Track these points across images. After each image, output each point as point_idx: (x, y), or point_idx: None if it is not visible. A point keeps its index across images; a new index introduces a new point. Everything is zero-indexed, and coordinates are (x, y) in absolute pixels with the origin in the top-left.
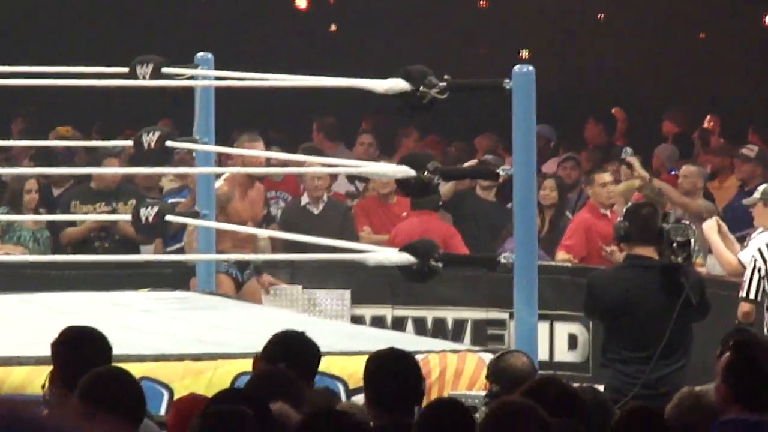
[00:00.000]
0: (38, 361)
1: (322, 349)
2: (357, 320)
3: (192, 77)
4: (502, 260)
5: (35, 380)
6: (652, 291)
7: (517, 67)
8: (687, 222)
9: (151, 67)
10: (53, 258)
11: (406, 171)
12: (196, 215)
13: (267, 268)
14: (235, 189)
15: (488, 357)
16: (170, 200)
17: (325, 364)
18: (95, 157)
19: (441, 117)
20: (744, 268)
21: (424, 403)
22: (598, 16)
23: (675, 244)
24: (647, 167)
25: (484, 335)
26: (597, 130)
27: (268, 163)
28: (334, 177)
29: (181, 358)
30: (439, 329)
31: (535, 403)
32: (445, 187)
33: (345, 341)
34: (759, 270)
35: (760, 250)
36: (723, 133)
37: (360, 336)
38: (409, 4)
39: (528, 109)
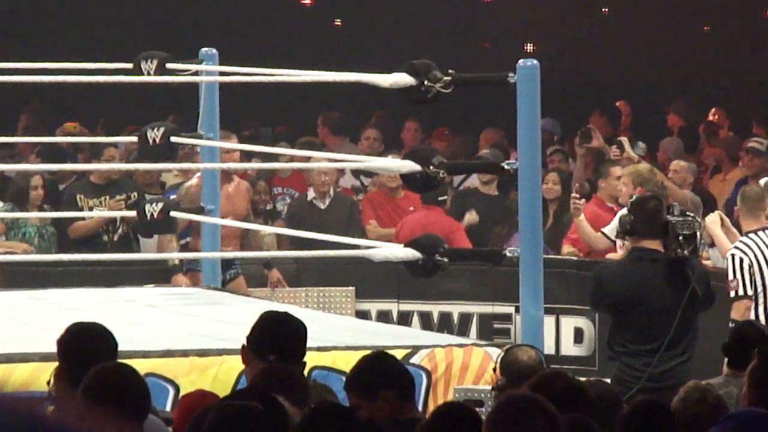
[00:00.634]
0: (43, 357)
1: (327, 345)
2: (362, 315)
3: (196, 73)
4: (508, 254)
5: (40, 377)
6: (659, 284)
7: (521, 61)
8: (692, 215)
9: (155, 62)
10: (58, 257)
11: (411, 166)
12: (201, 211)
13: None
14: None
15: (494, 351)
16: (171, 196)
17: (331, 359)
18: (95, 152)
19: (446, 111)
20: None
21: (430, 398)
22: (603, 9)
23: (681, 237)
24: (653, 161)
25: (489, 329)
26: (601, 123)
27: (276, 159)
28: (341, 172)
29: (186, 353)
30: (444, 323)
31: (543, 397)
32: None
33: (350, 336)
34: (742, 262)
35: (737, 246)
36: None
37: (365, 331)
38: None
39: (532, 103)
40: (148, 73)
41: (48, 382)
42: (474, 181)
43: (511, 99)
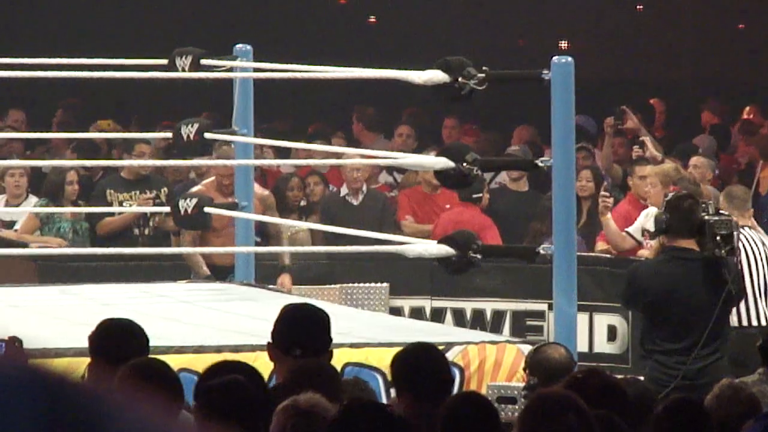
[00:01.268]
0: (77, 352)
1: (360, 341)
2: (395, 312)
3: (231, 69)
4: (541, 251)
5: (75, 372)
6: (694, 284)
7: (555, 58)
8: (727, 213)
9: (190, 59)
10: (92, 251)
11: (445, 162)
12: (234, 207)
13: (304, 259)
14: (210, 193)
15: (527, 348)
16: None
17: (364, 356)
18: (126, 147)
19: (479, 107)
20: None
21: None
22: (638, 6)
23: (719, 237)
24: (685, 159)
25: (523, 326)
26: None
27: (311, 155)
28: (377, 168)
29: (219, 349)
30: (478, 320)
31: (576, 395)
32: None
33: (383, 333)
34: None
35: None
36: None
37: (398, 327)
38: None
39: (567, 100)
40: (183, 70)
41: (82, 377)
42: (502, 178)
43: (544, 96)
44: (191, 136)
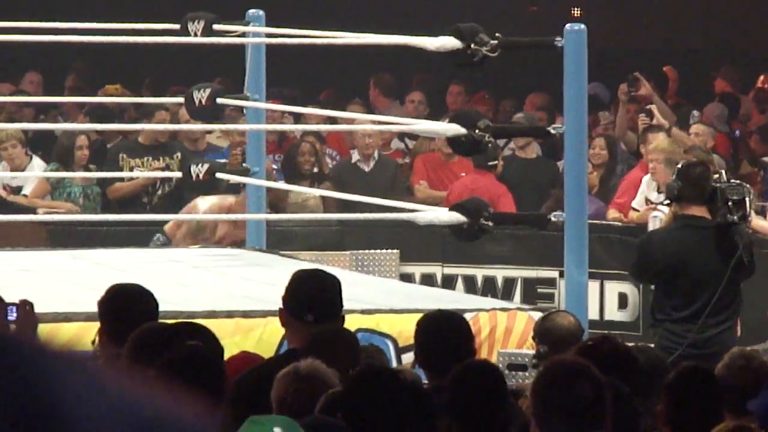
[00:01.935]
0: (88, 317)
1: (371, 307)
2: (406, 278)
3: (243, 34)
4: (553, 219)
5: (85, 336)
6: (706, 251)
7: (568, 26)
8: (739, 180)
9: (202, 24)
10: (103, 217)
11: (456, 129)
12: (246, 172)
13: (316, 226)
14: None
15: (538, 315)
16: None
17: (375, 322)
18: (145, 113)
19: (492, 74)
20: None
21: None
22: None
23: (731, 203)
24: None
25: (534, 294)
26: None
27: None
28: (391, 134)
29: (231, 314)
30: (489, 288)
31: (589, 363)
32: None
33: (394, 299)
34: None
35: None
36: None
37: (409, 294)
38: None
39: (579, 67)
40: (195, 34)
41: (93, 342)
42: (509, 145)
43: (556, 63)
44: (203, 101)
